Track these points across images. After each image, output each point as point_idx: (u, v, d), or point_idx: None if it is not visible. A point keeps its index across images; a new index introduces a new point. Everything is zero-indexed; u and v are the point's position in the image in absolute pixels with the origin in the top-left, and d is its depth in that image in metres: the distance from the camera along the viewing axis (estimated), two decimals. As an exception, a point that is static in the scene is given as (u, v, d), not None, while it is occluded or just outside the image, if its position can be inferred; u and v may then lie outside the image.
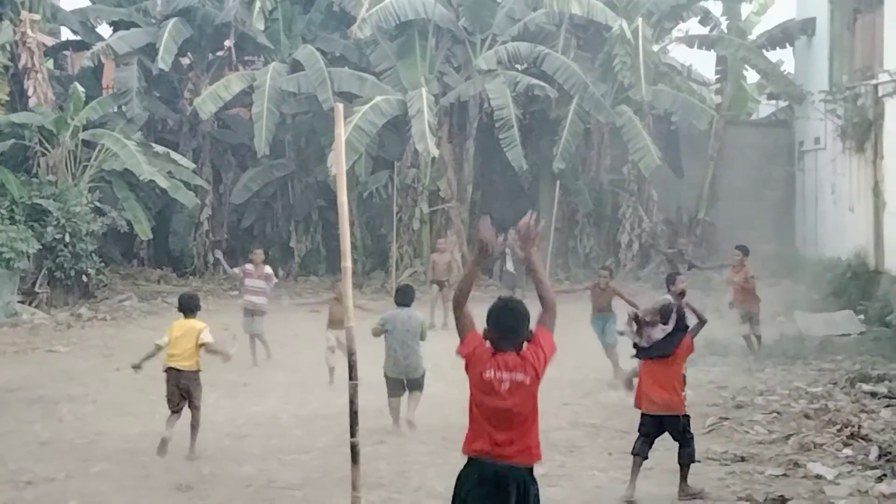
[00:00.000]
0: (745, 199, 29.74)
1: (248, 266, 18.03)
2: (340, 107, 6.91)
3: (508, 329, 6.05)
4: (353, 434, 6.57)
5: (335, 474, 9.93)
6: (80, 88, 25.55)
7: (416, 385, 12.16)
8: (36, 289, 24.12)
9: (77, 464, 10.88)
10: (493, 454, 5.97)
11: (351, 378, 6.56)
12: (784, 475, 9.99)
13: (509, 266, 24.26)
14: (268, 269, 17.97)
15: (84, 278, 24.68)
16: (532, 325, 6.16)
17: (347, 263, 6.75)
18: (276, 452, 11.50)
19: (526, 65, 29.21)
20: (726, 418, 12.63)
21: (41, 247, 23.65)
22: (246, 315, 17.51)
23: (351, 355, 6.59)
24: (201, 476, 10.39)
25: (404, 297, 12.34)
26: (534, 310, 6.18)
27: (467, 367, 6.09)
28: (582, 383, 15.15)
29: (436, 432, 11.68)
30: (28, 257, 23.24)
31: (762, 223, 29.35)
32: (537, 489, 6.08)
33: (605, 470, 10.35)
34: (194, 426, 11.23)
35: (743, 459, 10.67)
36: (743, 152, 30.23)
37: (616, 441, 11.48)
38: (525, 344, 6.08)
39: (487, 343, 6.09)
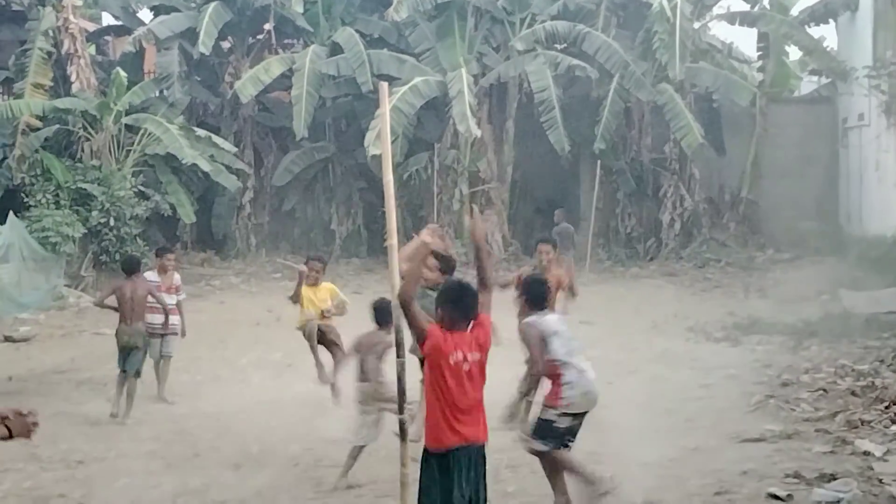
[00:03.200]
0: (788, 176, 29.45)
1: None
2: (385, 86, 6.92)
3: (465, 307, 6.25)
4: (401, 411, 6.63)
5: (380, 453, 9.98)
6: (123, 73, 25.80)
7: None
8: (82, 272, 24.40)
9: (126, 444, 11.02)
10: (469, 438, 6.21)
11: (398, 356, 6.61)
12: (832, 452, 9.91)
13: None
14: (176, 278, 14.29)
15: (129, 262, 24.89)
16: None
17: (393, 241, 6.76)
18: (322, 432, 11.57)
19: (566, 44, 29.09)
20: (772, 396, 12.55)
21: (86, 231, 23.94)
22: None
23: (398, 332, 6.62)
24: (249, 455, 10.50)
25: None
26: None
27: (434, 358, 6.18)
28: (625, 363, 15.12)
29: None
30: (74, 241, 23.51)
31: (805, 201, 29.12)
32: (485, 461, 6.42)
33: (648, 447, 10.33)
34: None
35: (790, 437, 10.59)
36: (785, 130, 29.91)
37: (661, 420, 11.45)
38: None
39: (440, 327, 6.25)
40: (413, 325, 6.22)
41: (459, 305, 6.25)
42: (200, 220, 28.81)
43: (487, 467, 6.46)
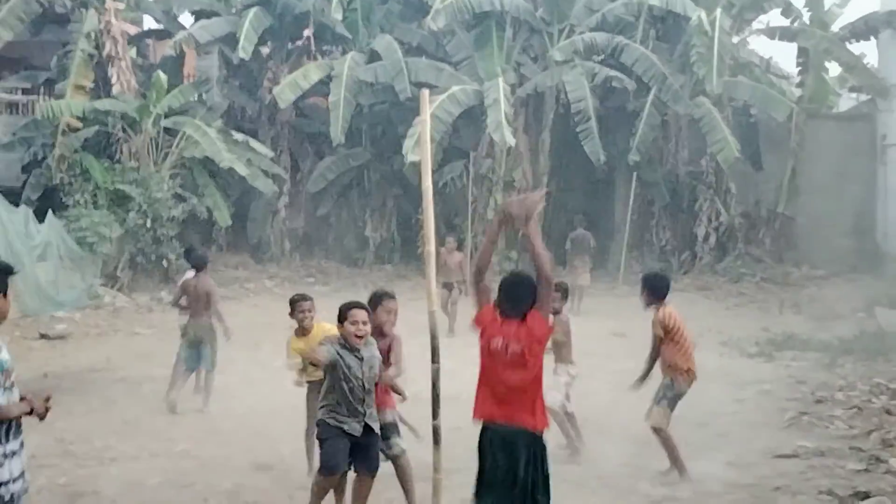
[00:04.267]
0: (826, 193, 29.22)
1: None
2: (426, 93, 6.96)
3: (514, 298, 6.50)
4: (434, 416, 6.66)
5: (413, 458, 10.01)
6: (163, 76, 25.99)
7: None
8: (117, 273, 24.60)
9: (160, 443, 11.10)
10: (501, 418, 6.50)
11: (434, 361, 6.63)
12: (866, 470, 9.85)
13: None
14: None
15: (164, 263, 25.13)
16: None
17: (431, 248, 6.80)
18: (354, 436, 11.61)
19: (603, 56, 29.04)
20: (806, 413, 12.48)
21: (123, 231, 24.16)
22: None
23: (433, 339, 6.65)
24: (281, 456, 10.54)
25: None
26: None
27: (480, 337, 6.61)
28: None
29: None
30: (110, 241, 23.73)
31: (842, 218, 28.91)
32: (545, 453, 6.56)
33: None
34: None
35: (823, 454, 10.53)
36: (823, 146, 29.69)
37: (694, 434, 11.39)
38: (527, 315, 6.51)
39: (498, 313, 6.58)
40: (475, 299, 6.66)
41: (508, 297, 6.52)
42: (236, 224, 28.96)
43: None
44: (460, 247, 22.92)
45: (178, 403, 12.66)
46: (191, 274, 13.77)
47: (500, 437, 6.50)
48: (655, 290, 9.82)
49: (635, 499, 9.08)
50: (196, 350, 13.09)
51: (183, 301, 13.45)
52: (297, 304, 9.81)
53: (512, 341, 6.44)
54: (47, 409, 5.64)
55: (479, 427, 6.68)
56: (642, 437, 10.13)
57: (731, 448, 10.14)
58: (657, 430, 9.60)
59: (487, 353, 6.55)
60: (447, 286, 19.65)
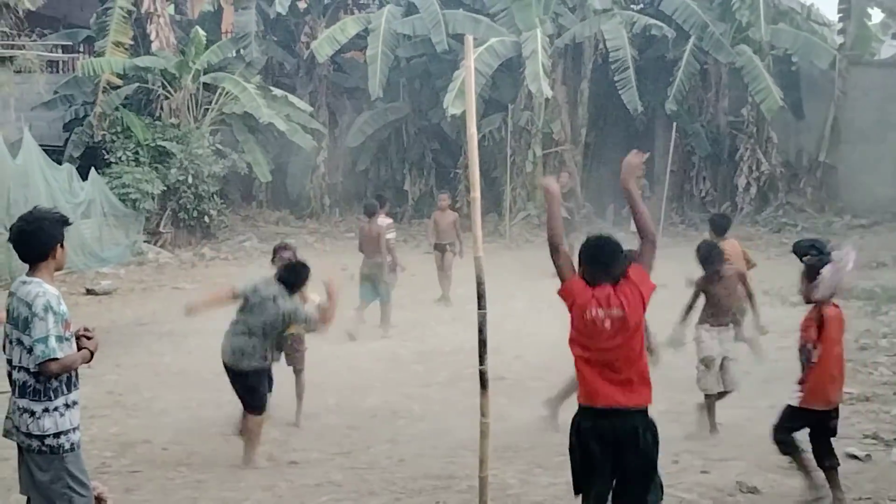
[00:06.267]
0: (868, 141, 28.81)
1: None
2: (470, 38, 6.92)
3: (602, 264, 5.93)
4: (481, 361, 6.66)
5: (458, 406, 10.14)
6: (201, 32, 26.07)
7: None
8: (160, 229, 24.87)
9: (208, 393, 11.24)
10: (608, 401, 5.83)
11: (480, 307, 6.66)
12: (911, 415, 9.87)
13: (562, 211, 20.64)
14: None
15: (206, 219, 25.37)
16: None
17: (476, 194, 6.79)
18: (398, 386, 11.75)
19: (642, 4, 28.77)
20: (850, 360, 12.36)
21: (165, 188, 24.38)
22: None
23: (480, 285, 6.67)
24: (327, 406, 10.71)
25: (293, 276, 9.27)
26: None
27: (570, 310, 5.96)
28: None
29: (553, 370, 11.71)
30: (153, 198, 23.97)
31: (884, 166, 28.49)
32: (656, 429, 5.92)
33: (723, 407, 10.30)
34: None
35: (868, 399, 10.55)
36: (866, 93, 29.25)
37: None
38: (621, 278, 5.94)
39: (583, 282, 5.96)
40: (559, 272, 6.04)
41: (596, 262, 5.95)
42: (276, 179, 29.11)
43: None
44: (454, 206, 22.27)
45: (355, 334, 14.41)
46: (365, 220, 15.69)
47: (608, 424, 5.82)
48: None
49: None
50: (371, 285, 14.92)
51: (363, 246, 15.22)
52: (277, 252, 10.33)
53: (613, 308, 5.83)
54: (96, 347, 5.76)
55: (582, 412, 5.98)
56: (684, 383, 10.13)
57: (774, 395, 10.07)
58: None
59: (583, 328, 5.89)
60: (439, 248, 17.80)
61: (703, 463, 8.03)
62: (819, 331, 7.38)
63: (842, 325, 7.53)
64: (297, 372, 10.32)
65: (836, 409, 7.52)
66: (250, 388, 8.87)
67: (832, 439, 7.49)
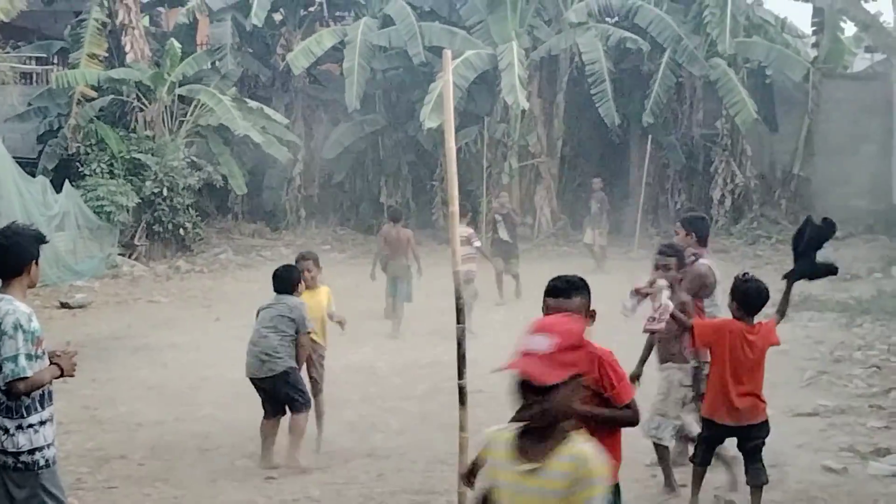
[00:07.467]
0: (841, 153, 29.02)
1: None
2: (449, 53, 6.93)
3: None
4: (460, 376, 6.64)
5: (436, 420, 10.10)
6: (177, 44, 25.97)
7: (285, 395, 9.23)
8: (135, 241, 24.74)
9: (184, 407, 11.20)
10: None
11: (458, 322, 6.64)
12: (886, 427, 9.91)
13: (502, 234, 19.26)
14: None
15: (181, 232, 25.25)
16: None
17: (454, 208, 6.78)
18: (376, 399, 11.72)
19: (617, 17, 28.91)
20: (825, 372, 12.53)
21: (140, 200, 24.27)
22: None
23: (458, 299, 6.65)
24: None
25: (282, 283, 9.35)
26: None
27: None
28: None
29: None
30: (127, 211, 23.86)
31: (858, 178, 28.72)
32: None
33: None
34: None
35: (843, 412, 10.59)
36: (839, 106, 29.49)
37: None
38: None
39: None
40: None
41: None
42: (251, 192, 29.02)
43: None
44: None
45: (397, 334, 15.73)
46: (388, 225, 16.84)
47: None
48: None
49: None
50: (395, 284, 16.01)
51: (385, 249, 16.27)
52: (298, 263, 9.94)
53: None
54: (74, 366, 5.73)
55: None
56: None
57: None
58: None
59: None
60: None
61: (680, 478, 8.03)
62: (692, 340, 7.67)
63: (738, 342, 7.27)
64: (318, 392, 9.86)
65: (758, 428, 7.29)
66: (293, 384, 9.08)
67: (762, 458, 7.36)
